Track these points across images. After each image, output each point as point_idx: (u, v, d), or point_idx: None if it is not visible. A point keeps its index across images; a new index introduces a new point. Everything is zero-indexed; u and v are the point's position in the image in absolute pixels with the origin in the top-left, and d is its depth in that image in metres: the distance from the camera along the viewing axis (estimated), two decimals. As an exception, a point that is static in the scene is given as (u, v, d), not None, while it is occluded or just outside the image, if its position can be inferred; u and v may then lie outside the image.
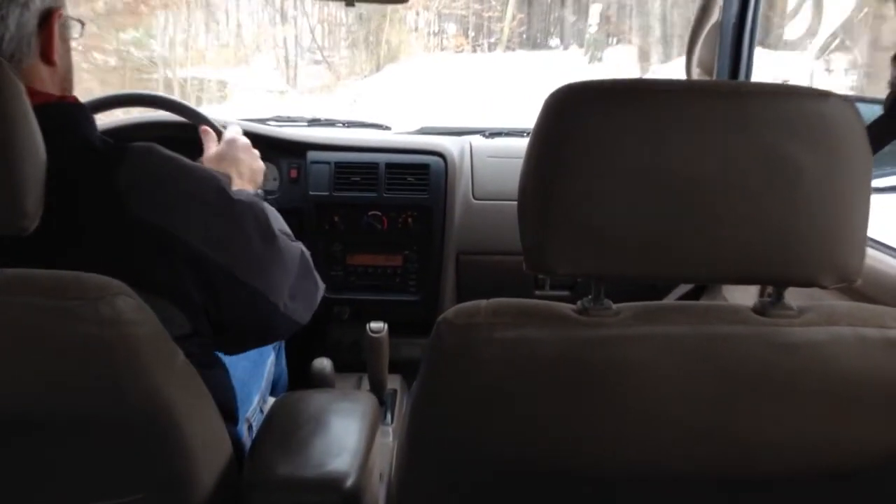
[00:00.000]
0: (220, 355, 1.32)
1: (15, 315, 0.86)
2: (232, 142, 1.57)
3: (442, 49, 10.42)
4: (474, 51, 10.32)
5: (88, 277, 0.88)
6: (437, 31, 10.58)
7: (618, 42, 10.63)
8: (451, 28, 10.50)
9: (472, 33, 10.56)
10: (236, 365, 1.45)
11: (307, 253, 1.35)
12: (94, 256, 0.95)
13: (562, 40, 10.56)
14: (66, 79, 1.14)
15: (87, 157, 1.04)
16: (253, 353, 1.62)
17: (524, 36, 10.50)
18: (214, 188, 1.11)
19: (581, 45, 10.28)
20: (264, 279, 1.17)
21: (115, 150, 1.06)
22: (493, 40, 10.45)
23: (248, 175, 1.53)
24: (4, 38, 1.03)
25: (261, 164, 1.58)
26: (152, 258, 1.02)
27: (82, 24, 1.19)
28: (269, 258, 1.19)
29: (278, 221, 1.27)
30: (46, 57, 1.08)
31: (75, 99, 1.13)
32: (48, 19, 1.08)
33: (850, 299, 1.34)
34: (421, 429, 0.91)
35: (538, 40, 10.46)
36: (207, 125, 1.82)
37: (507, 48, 10.24)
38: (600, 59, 10.34)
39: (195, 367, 1.01)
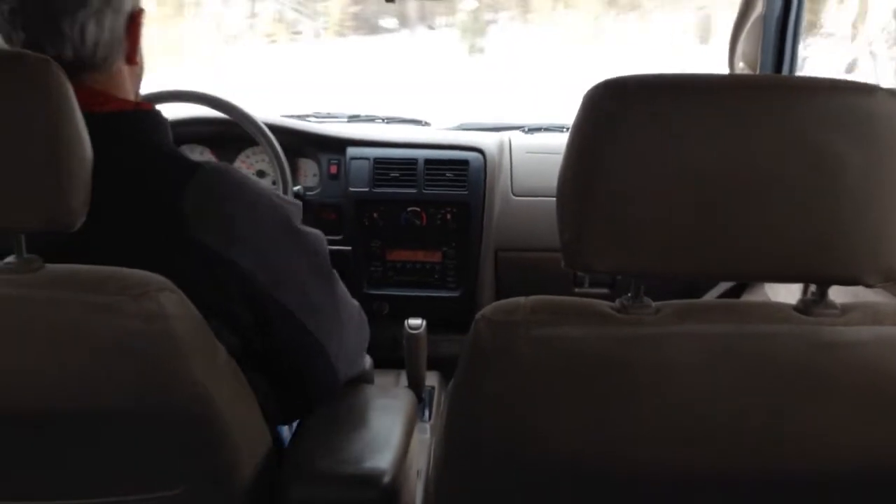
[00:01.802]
0: None
1: (60, 310, 0.87)
2: None
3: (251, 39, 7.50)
4: (293, 40, 7.57)
5: (131, 273, 0.90)
6: (249, 13, 7.48)
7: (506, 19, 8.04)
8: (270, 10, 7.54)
9: (292, 16, 7.38)
10: None
11: (363, 313, 1.35)
12: (146, 268, 0.96)
13: (402, 20, 7.79)
14: (141, 77, 1.16)
15: (156, 169, 1.05)
16: None
17: (361, 17, 7.76)
18: (281, 219, 1.12)
19: (432, 27, 7.71)
20: (316, 317, 1.16)
21: (187, 165, 1.06)
22: (320, 24, 7.73)
23: None
24: (100, 42, 1.04)
25: None
26: (206, 280, 1.03)
27: None
28: (322, 298, 1.19)
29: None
30: (130, 58, 1.10)
31: (151, 107, 1.13)
32: (134, 21, 1.09)
33: None
34: (459, 426, 0.91)
35: (375, 22, 7.82)
36: (256, 129, 1.85)
37: (338, 33, 7.70)
38: (482, 51, 7.83)
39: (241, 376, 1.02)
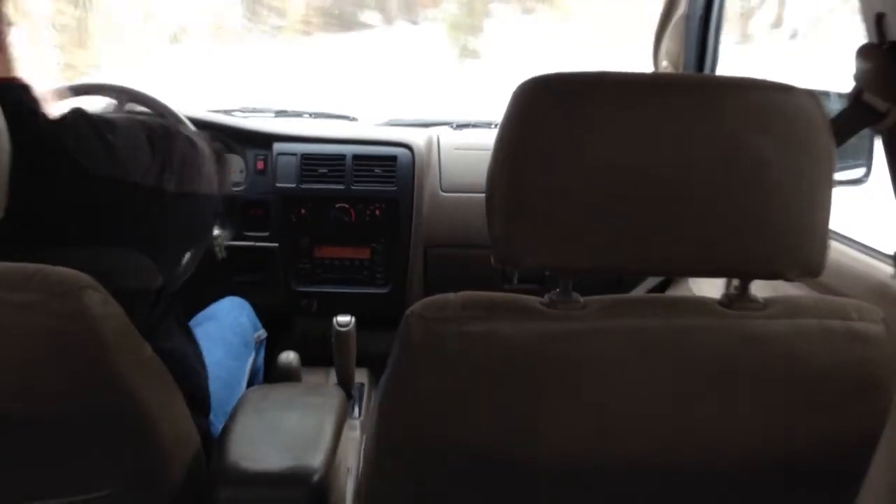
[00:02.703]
0: (200, 344, 1.33)
1: None
2: None
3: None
4: (241, 40, 6.22)
5: (53, 271, 0.87)
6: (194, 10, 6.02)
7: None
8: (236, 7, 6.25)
9: (246, 12, 6.20)
10: (220, 365, 1.46)
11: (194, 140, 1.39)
12: (69, 226, 0.96)
13: (384, 15, 6.36)
14: (10, 66, 1.14)
15: (36, 135, 1.05)
16: (236, 352, 1.62)
17: (335, 11, 6.35)
18: (145, 130, 1.16)
19: (414, 21, 6.24)
20: (206, 181, 1.25)
21: (55, 122, 1.08)
22: (276, 21, 6.41)
23: None
24: None
25: None
26: (121, 212, 1.06)
27: (10, 23, 1.18)
28: (199, 161, 1.26)
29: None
30: None
31: (17, 79, 1.12)
32: None
33: (816, 292, 1.36)
34: (389, 423, 0.91)
35: (350, 17, 6.42)
36: (174, 119, 1.83)
37: (302, 31, 6.32)
38: (475, 54, 6.18)
39: (171, 342, 1.01)
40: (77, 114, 1.11)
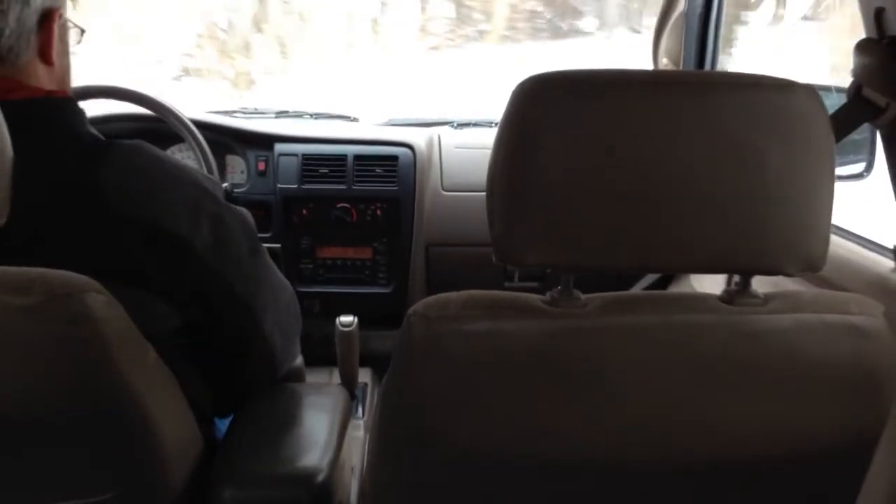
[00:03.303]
0: None
1: None
2: None
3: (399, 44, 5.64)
4: (435, 48, 5.77)
5: (56, 274, 0.87)
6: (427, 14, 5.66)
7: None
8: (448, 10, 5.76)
9: (453, 18, 5.76)
10: None
11: (295, 295, 1.33)
12: (74, 252, 0.94)
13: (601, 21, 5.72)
14: (64, 80, 1.13)
15: (71, 152, 1.03)
16: None
17: (548, 18, 5.83)
18: (202, 191, 1.11)
19: (635, 29, 5.63)
20: (248, 288, 1.15)
21: (102, 145, 1.05)
22: (482, 29, 5.96)
23: None
24: (4, 32, 1.01)
25: None
26: (139, 253, 1.01)
27: (83, 30, 1.18)
28: (255, 270, 1.18)
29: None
30: (45, 56, 1.07)
31: (65, 93, 1.11)
32: (48, 18, 1.06)
33: (816, 286, 1.36)
34: (392, 422, 0.91)
35: (562, 22, 5.84)
36: (182, 126, 1.83)
37: (508, 38, 5.85)
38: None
39: (177, 360, 1.01)
40: (133, 147, 1.08)
